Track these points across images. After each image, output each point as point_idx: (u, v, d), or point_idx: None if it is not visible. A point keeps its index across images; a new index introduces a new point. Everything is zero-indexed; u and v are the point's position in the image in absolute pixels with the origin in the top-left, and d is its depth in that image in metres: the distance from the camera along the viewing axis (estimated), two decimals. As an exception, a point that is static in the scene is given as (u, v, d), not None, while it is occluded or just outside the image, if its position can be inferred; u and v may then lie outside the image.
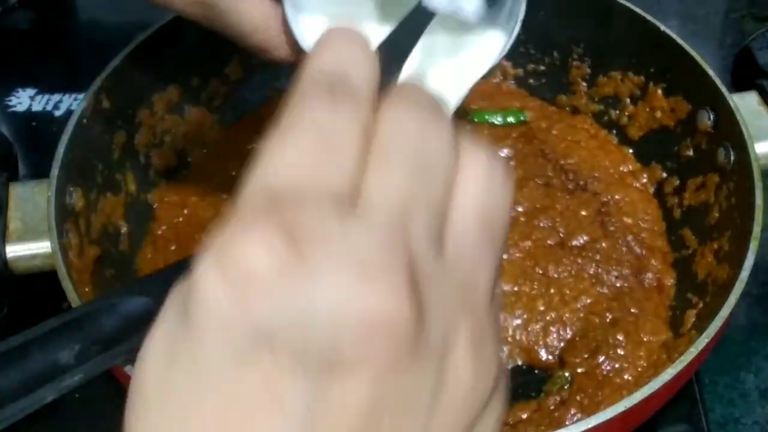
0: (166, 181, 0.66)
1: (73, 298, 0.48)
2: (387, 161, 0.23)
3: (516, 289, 0.60)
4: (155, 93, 0.65)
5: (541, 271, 0.61)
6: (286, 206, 0.21)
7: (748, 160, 0.55)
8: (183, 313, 0.21)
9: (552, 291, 0.59)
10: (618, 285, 0.60)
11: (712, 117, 0.60)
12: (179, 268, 0.47)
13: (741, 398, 0.58)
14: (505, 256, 0.61)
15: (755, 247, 0.51)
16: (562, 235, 0.63)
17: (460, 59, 0.46)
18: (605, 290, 0.60)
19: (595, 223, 0.64)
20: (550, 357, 0.57)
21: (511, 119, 0.71)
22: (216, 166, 0.68)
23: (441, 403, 0.22)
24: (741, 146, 0.56)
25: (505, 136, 0.69)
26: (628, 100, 0.69)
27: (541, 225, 0.63)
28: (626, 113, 0.69)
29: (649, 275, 0.61)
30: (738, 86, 0.65)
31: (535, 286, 0.60)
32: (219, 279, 0.20)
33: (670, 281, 0.61)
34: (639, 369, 0.56)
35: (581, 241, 0.63)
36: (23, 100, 0.78)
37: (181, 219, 0.65)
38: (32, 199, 0.54)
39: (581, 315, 0.59)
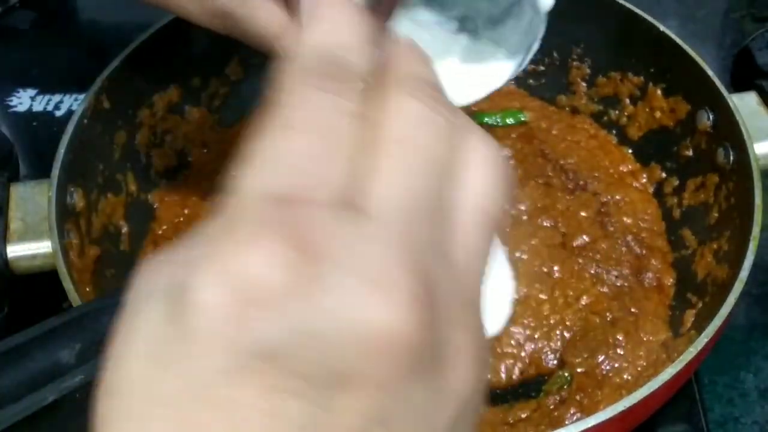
0: (167, 181, 0.66)
1: (74, 298, 0.48)
2: (394, 160, 0.22)
3: (525, 291, 0.60)
4: (156, 93, 0.65)
5: (546, 271, 0.61)
6: (291, 214, 0.20)
7: (748, 161, 0.55)
8: (173, 317, 0.20)
9: (556, 294, 0.59)
10: (618, 284, 0.61)
11: (711, 117, 0.60)
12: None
13: (740, 398, 0.58)
14: (517, 254, 0.62)
15: (754, 247, 0.51)
16: (563, 234, 0.63)
17: (473, 71, 0.46)
18: (606, 289, 0.60)
19: (595, 223, 0.64)
20: (552, 359, 0.57)
21: (510, 120, 0.71)
22: (216, 166, 0.68)
23: (439, 413, 0.21)
24: (740, 146, 0.56)
25: (505, 136, 0.69)
26: (627, 101, 0.69)
27: (544, 224, 0.63)
28: (626, 113, 0.69)
29: (649, 275, 0.61)
30: (737, 86, 0.65)
31: (542, 289, 0.60)
32: (221, 291, 0.19)
33: (670, 281, 0.61)
34: (638, 368, 0.56)
35: (582, 241, 0.63)
36: (24, 100, 0.78)
37: (181, 219, 0.65)
38: (33, 199, 0.54)
39: (582, 315, 0.59)
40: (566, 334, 0.58)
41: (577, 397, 0.55)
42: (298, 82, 0.22)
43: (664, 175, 0.66)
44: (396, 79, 0.23)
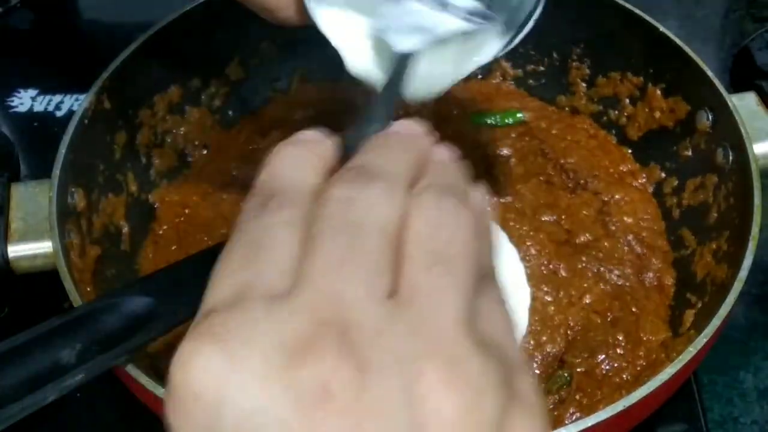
0: (167, 181, 0.67)
1: (75, 298, 0.48)
2: (319, 240, 0.24)
3: (533, 291, 0.60)
4: (156, 93, 0.65)
5: (553, 269, 0.61)
6: (216, 319, 0.23)
7: (747, 161, 0.55)
8: None
9: (561, 294, 0.59)
10: (620, 284, 0.61)
11: (710, 117, 0.60)
12: (180, 267, 0.47)
13: (740, 398, 0.59)
14: (524, 249, 0.62)
15: (754, 247, 0.51)
16: (568, 231, 0.63)
17: (460, 47, 0.46)
18: (608, 288, 0.60)
19: (597, 221, 0.64)
20: (552, 359, 0.57)
21: (510, 120, 0.71)
22: (217, 166, 0.68)
23: None
24: (740, 146, 0.56)
25: (505, 136, 0.69)
26: (627, 101, 0.69)
27: (548, 220, 0.63)
28: (625, 114, 0.69)
29: (650, 274, 0.61)
30: (737, 86, 0.65)
31: (549, 291, 0.60)
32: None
33: (670, 280, 0.61)
34: (638, 368, 0.56)
35: (584, 239, 0.63)
36: (25, 100, 0.78)
37: (182, 219, 0.65)
38: (34, 199, 0.54)
39: (584, 315, 0.59)
40: (567, 334, 0.58)
41: (577, 397, 0.55)
42: (246, 208, 0.27)
43: (663, 175, 0.66)
44: (334, 175, 0.27)
